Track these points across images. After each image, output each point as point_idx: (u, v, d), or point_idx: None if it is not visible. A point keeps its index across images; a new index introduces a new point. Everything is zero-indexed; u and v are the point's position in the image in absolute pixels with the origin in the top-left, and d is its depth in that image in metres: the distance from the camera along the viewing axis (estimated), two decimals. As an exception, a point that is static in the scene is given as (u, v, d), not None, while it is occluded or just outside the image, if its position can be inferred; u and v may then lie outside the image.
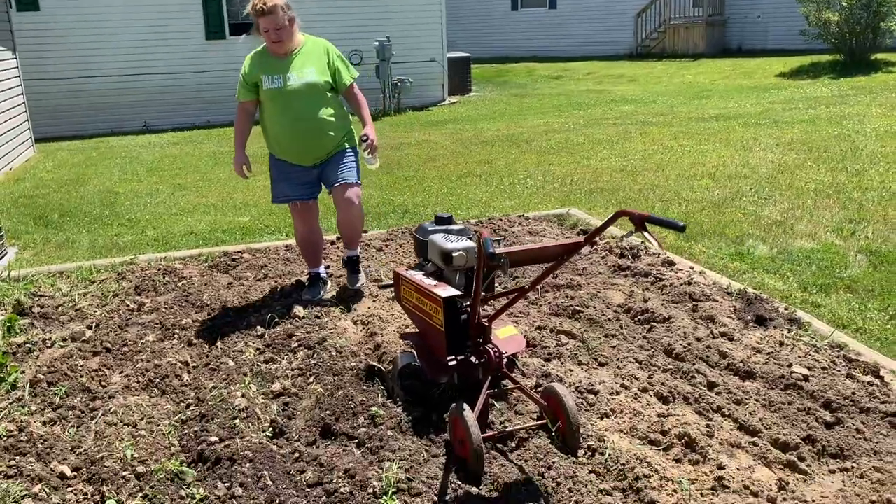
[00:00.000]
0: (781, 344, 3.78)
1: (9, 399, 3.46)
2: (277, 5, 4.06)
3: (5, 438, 3.07)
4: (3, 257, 5.93)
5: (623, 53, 23.01)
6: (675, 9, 21.45)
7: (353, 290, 4.69)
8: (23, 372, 3.71)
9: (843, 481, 2.76)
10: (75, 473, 2.90)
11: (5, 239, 6.16)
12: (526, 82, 19.53)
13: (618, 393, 3.32)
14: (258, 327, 4.20)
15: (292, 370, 3.66)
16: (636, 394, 3.32)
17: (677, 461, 2.86)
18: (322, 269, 4.75)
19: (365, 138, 4.29)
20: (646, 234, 2.58)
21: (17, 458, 2.94)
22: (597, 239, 5.53)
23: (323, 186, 4.55)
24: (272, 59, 4.25)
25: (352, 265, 4.72)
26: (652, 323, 4.05)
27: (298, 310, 4.42)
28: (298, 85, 4.21)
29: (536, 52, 25.15)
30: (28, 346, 4.04)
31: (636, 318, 4.15)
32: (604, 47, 23.66)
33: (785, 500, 2.65)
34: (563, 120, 12.61)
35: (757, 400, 3.28)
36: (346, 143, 4.42)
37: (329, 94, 4.30)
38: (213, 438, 3.03)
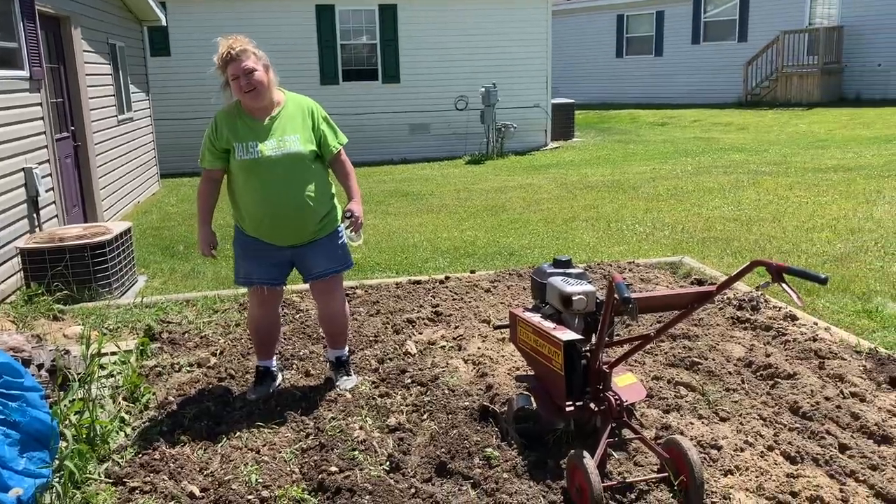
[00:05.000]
0: (920, 409, 3.54)
1: (142, 418, 3.66)
2: (248, 49, 3.46)
3: (140, 456, 3.24)
4: (134, 284, 6.32)
5: (731, 101, 22.52)
6: (787, 56, 20.87)
7: (463, 328, 4.73)
8: (154, 394, 3.93)
9: None
10: (203, 494, 3.02)
11: (136, 267, 6.57)
12: (630, 128, 19.38)
13: (742, 449, 3.19)
14: (372, 361, 4.30)
15: (406, 406, 3.71)
16: (762, 451, 3.18)
17: (810, 526, 2.71)
18: (274, 363, 4.03)
19: (349, 214, 3.62)
20: (784, 285, 2.50)
21: (152, 475, 3.09)
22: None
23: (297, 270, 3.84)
24: (247, 120, 3.55)
25: (339, 366, 4.03)
26: (776, 379, 3.88)
27: (411, 346, 4.50)
28: (278, 156, 3.51)
29: (640, 98, 24.97)
30: (158, 369, 4.27)
31: (758, 373, 3.99)
32: (711, 95, 23.23)
33: (933, 577, 2.47)
34: (670, 167, 12.41)
35: (895, 466, 3.08)
36: (330, 226, 3.74)
37: (314, 166, 3.61)
38: (333, 468, 3.09)
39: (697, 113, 20.92)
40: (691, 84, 23.98)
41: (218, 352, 4.54)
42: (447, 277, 6.02)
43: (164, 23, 12.86)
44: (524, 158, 15.11)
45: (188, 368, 4.30)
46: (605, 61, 26.36)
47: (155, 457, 3.22)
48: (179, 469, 3.14)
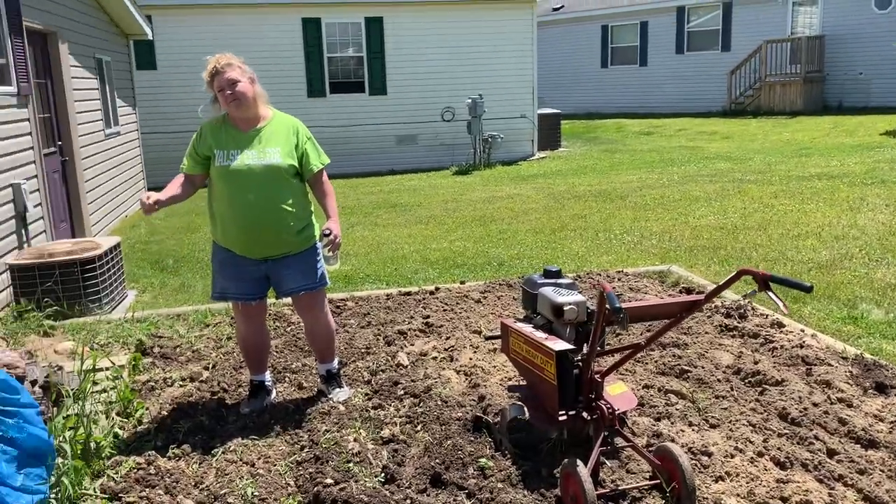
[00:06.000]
0: (906, 413, 3.61)
1: (136, 433, 3.66)
2: (234, 64, 3.59)
3: (136, 471, 3.24)
4: (124, 299, 6.31)
5: (716, 110, 22.75)
6: (770, 66, 21.12)
7: (454, 339, 4.76)
8: (147, 409, 3.93)
9: (984, 563, 2.59)
10: (199, 508, 3.03)
11: (126, 282, 6.56)
12: (616, 138, 19.53)
13: (732, 456, 3.24)
14: (365, 373, 4.32)
15: (400, 417, 3.73)
16: (752, 458, 3.23)
17: (800, 530, 2.76)
18: (267, 377, 4.05)
19: (327, 232, 3.61)
20: (770, 294, 2.55)
21: (147, 490, 3.10)
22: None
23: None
24: (232, 130, 3.64)
25: (330, 379, 4.07)
26: (764, 385, 3.94)
27: (402, 358, 4.52)
28: (257, 166, 3.56)
29: (626, 108, 25.19)
30: (151, 384, 4.27)
31: (747, 381, 4.05)
32: (695, 104, 23.46)
33: (921, 578, 2.51)
34: (656, 176, 12.52)
35: (882, 470, 3.13)
36: (306, 242, 3.76)
37: (292, 181, 3.66)
38: (329, 481, 3.11)
39: (683, 122, 21.12)
40: (676, 93, 24.21)
41: (210, 365, 4.55)
42: (437, 288, 6.05)
43: (150, 37, 12.87)
44: (511, 169, 15.18)
45: (181, 383, 4.30)
46: (591, 71, 26.56)
47: (150, 471, 3.23)
48: (175, 483, 3.15)
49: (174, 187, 3.67)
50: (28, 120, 6.99)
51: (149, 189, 12.84)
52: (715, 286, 2.76)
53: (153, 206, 3.46)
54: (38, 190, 7.09)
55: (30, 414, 2.69)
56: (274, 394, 4.07)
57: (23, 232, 6.61)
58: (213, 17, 14.76)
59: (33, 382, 3.54)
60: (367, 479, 3.14)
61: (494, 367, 4.39)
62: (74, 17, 9.17)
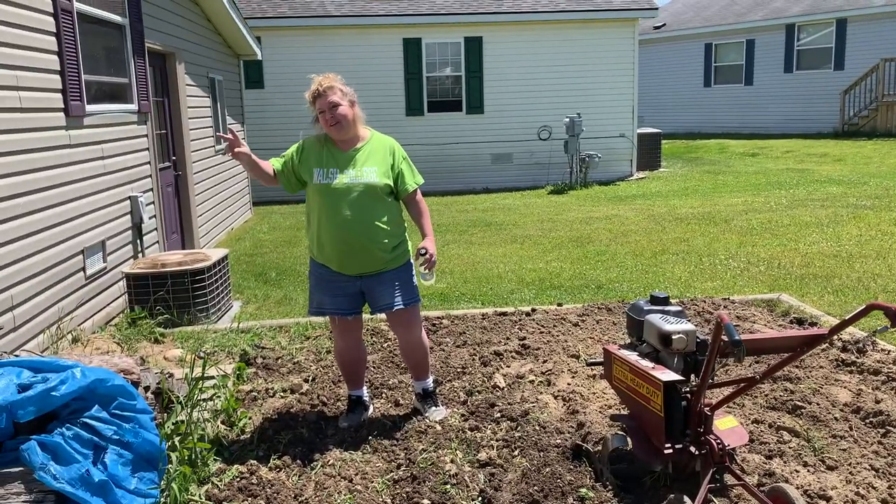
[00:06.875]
0: None
1: (239, 443, 3.76)
2: (335, 86, 3.67)
3: (238, 479, 3.32)
4: (229, 310, 6.54)
5: (826, 132, 21.70)
6: (889, 85, 19.99)
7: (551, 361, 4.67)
8: (250, 418, 4.03)
9: None
10: (298, 520, 3.06)
11: (231, 293, 6.80)
12: (719, 159, 18.90)
13: (854, 502, 3.03)
14: (461, 393, 4.29)
15: (497, 441, 3.68)
16: (876, 505, 3.01)
17: (933, 590, 2.53)
18: (364, 392, 4.12)
19: (423, 251, 3.67)
20: (904, 330, 2.37)
21: (250, 499, 3.17)
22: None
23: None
24: (332, 149, 3.74)
25: (426, 397, 4.08)
26: (888, 427, 3.67)
27: (499, 379, 4.47)
28: (356, 184, 3.66)
29: (729, 128, 24.38)
30: (254, 394, 4.39)
31: (868, 420, 3.78)
32: (804, 125, 22.46)
33: None
34: (762, 199, 12.02)
35: None
36: (400, 259, 3.83)
37: (388, 199, 3.75)
38: (426, 502, 3.09)
39: (790, 143, 20.25)
40: (783, 113, 23.26)
41: (310, 378, 4.64)
42: (534, 310, 5.98)
43: (259, 57, 13.39)
44: (608, 189, 14.92)
45: (282, 394, 4.40)
46: (693, 90, 25.89)
47: (252, 481, 3.30)
48: (275, 494, 3.21)
49: (264, 164, 3.75)
50: (146, 136, 7.37)
51: (253, 203, 13.33)
52: (840, 320, 2.59)
53: (239, 144, 3.57)
54: (153, 202, 7.46)
55: (145, 419, 2.80)
56: (371, 409, 4.10)
57: (138, 242, 6.96)
58: (318, 37, 15.24)
59: (146, 388, 3.69)
60: (464, 502, 3.10)
61: (594, 393, 4.28)
62: (191, 38, 9.65)
